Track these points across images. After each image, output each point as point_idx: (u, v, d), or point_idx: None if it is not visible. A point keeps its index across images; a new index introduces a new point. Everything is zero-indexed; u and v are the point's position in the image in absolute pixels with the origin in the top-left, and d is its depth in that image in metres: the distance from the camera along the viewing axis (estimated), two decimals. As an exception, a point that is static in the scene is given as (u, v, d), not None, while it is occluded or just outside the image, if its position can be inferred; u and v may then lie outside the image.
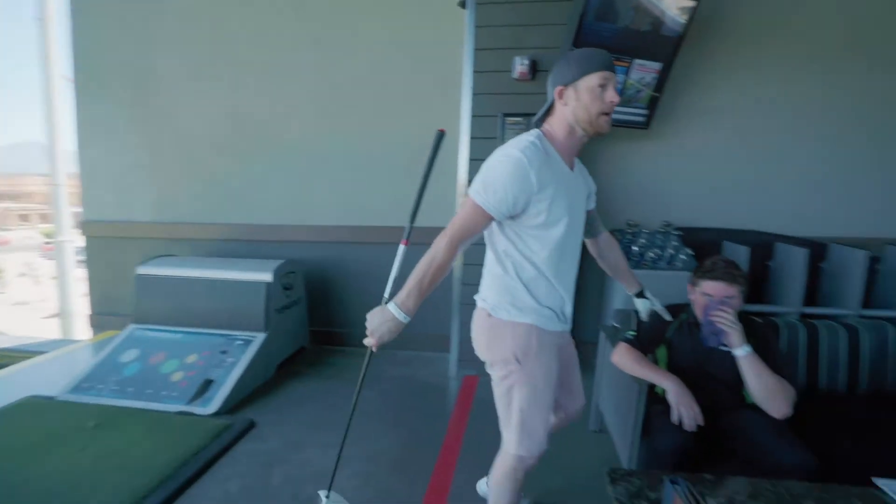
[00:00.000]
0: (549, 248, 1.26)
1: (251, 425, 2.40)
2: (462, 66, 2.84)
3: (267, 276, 2.93)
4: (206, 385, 2.59)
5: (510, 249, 1.29)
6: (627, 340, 1.79)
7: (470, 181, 2.86)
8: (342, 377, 2.99)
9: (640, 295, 1.65)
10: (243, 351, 2.78)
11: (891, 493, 1.22)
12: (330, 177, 3.36)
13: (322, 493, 1.63)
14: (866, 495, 1.24)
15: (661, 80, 2.78)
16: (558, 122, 1.26)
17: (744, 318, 1.68)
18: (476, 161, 2.85)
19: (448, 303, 3.04)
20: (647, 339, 1.77)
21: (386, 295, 1.32)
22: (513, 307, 1.31)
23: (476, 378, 2.97)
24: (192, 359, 2.74)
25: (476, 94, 2.81)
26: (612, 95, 1.17)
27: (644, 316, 1.67)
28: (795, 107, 2.97)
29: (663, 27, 2.62)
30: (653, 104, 2.85)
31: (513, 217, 1.24)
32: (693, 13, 2.59)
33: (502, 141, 2.82)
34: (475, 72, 2.78)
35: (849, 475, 1.35)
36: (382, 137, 3.26)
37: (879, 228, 3.01)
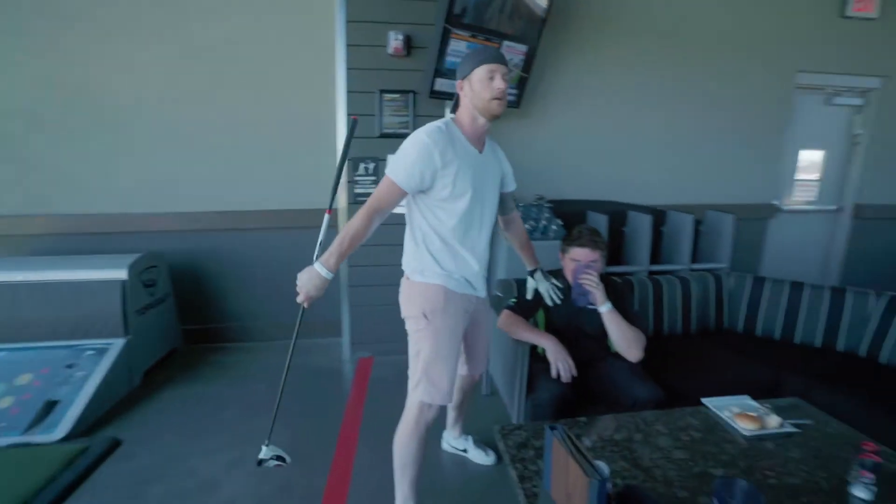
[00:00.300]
0: (455, 219, 1.45)
1: (115, 444, 2.10)
2: (334, 40, 2.70)
3: (121, 274, 2.54)
4: (49, 407, 2.18)
5: (422, 223, 1.49)
6: (510, 307, 1.93)
7: (348, 157, 2.79)
8: (225, 377, 2.75)
9: (533, 274, 1.83)
10: (97, 362, 2.39)
11: (713, 409, 1.53)
12: (196, 157, 2.97)
13: (263, 446, 1.68)
14: (697, 413, 1.53)
15: (528, 62, 2.95)
16: (463, 111, 1.48)
17: (606, 278, 1.91)
18: (354, 139, 2.76)
19: (337, 286, 2.95)
20: (526, 304, 1.92)
21: (315, 256, 1.44)
22: (424, 271, 1.51)
23: (371, 359, 2.96)
24: (24, 379, 2.28)
25: (351, 69, 2.70)
26: (498, 83, 1.38)
27: (529, 294, 1.84)
28: (637, 90, 3.39)
29: (529, 10, 2.77)
30: (522, 84, 3.02)
31: (423, 191, 1.43)
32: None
33: (380, 118, 2.79)
34: (349, 45, 2.67)
35: (687, 399, 1.64)
36: (256, 113, 2.98)
37: (701, 196, 3.63)
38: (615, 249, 3.14)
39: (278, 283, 3.10)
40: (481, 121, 1.45)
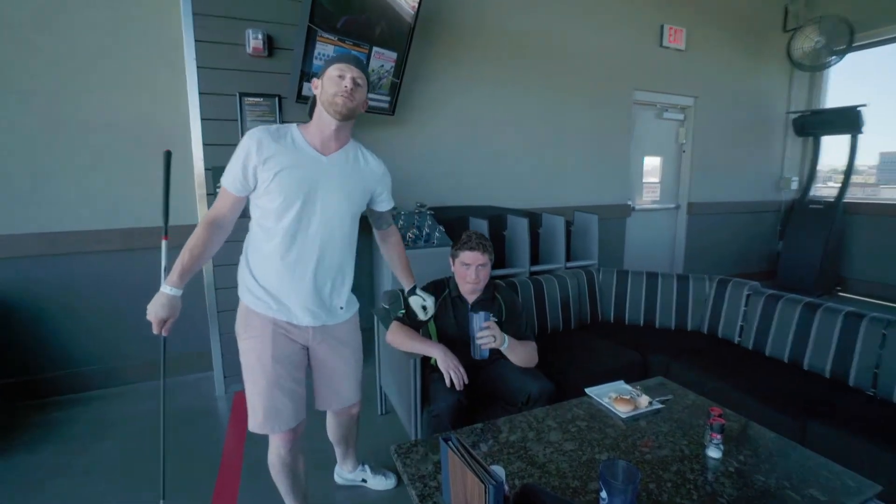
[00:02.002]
0: (280, 230, 1.37)
1: None
2: (182, 34, 2.43)
3: None
4: None
5: (250, 234, 1.44)
6: (398, 319, 1.90)
7: (206, 166, 2.52)
8: (51, 439, 2.26)
9: (412, 292, 1.75)
10: None
11: (595, 397, 1.66)
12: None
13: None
14: (582, 403, 1.64)
15: (400, 68, 2.98)
16: (316, 112, 1.43)
17: (495, 285, 1.98)
18: (211, 146, 2.51)
19: (203, 313, 2.63)
20: (415, 315, 1.90)
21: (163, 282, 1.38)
22: (242, 286, 1.45)
23: (246, 395, 2.68)
24: None
25: (203, 69, 2.45)
26: (347, 82, 1.36)
27: (422, 315, 1.74)
28: (503, 100, 3.63)
29: (396, 15, 2.80)
30: (395, 90, 3.04)
31: (249, 194, 1.39)
32: (419, 4, 2.85)
33: (242, 124, 2.57)
34: (197, 41, 2.42)
35: (574, 389, 1.76)
36: (83, 114, 2.53)
37: (569, 199, 4.01)
38: (497, 253, 3.30)
39: (122, 315, 2.66)
40: (327, 119, 1.39)
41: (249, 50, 2.51)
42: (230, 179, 1.36)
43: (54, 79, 2.47)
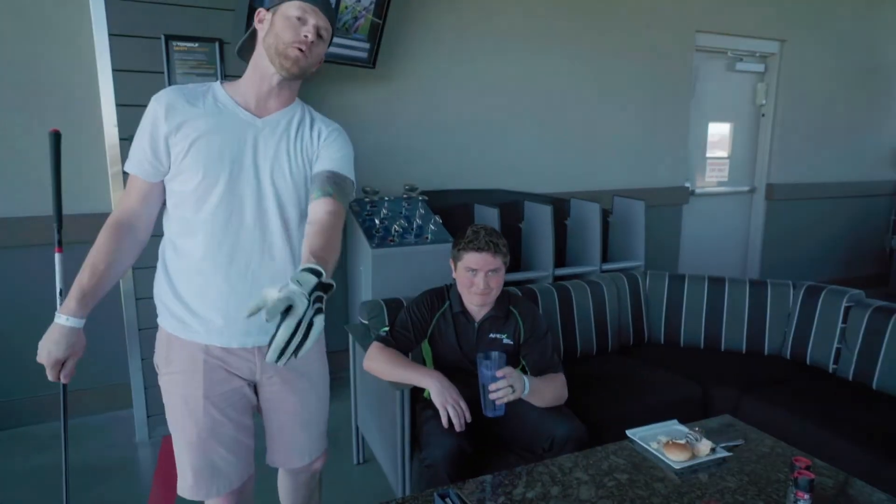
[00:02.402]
0: (201, 216, 1.32)
1: None
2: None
3: None
4: None
5: (165, 233, 1.41)
6: (380, 339, 1.91)
7: (121, 135, 2.53)
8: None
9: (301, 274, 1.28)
10: None
11: (639, 441, 1.68)
12: None
13: None
14: (622, 450, 1.66)
15: (382, 4, 2.98)
16: (253, 59, 1.40)
17: (510, 295, 2.00)
18: (127, 108, 2.51)
19: (120, 334, 2.65)
20: (403, 334, 1.92)
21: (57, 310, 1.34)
22: (160, 304, 1.41)
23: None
24: None
25: (115, 1, 2.45)
26: (308, 30, 1.32)
27: (266, 315, 0.96)
28: (523, 51, 3.64)
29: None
30: (375, 35, 3.04)
31: (162, 175, 1.35)
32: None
33: (169, 77, 2.58)
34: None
35: (610, 432, 1.79)
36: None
37: (607, 181, 4.02)
38: (512, 251, 3.30)
39: (8, 334, 2.64)
40: (268, 70, 1.34)
41: (174, -22, 2.51)
42: (137, 160, 1.33)
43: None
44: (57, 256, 1.68)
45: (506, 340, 1.96)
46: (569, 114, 3.87)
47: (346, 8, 2.89)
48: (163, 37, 2.55)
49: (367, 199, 3.09)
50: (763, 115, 4.75)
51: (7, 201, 2.67)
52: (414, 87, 3.38)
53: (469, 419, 1.73)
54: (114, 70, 2.50)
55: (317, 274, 1.05)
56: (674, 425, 1.77)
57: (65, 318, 1.26)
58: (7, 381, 2.70)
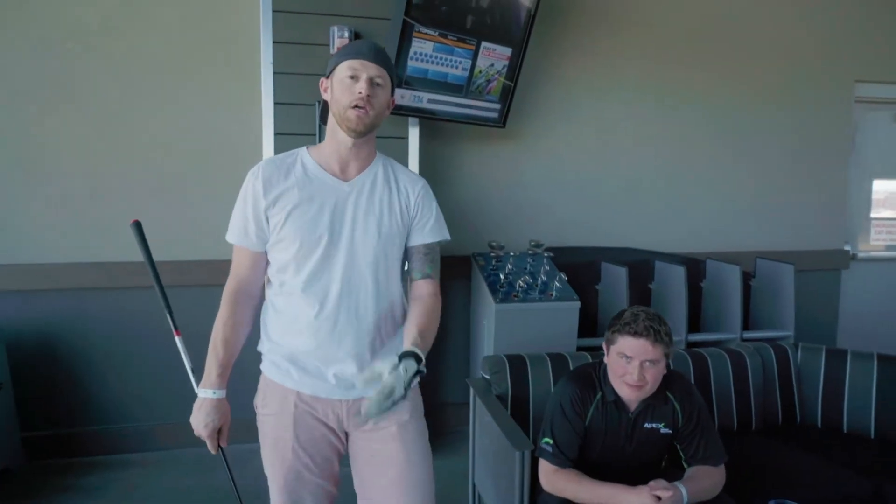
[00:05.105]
0: (299, 290, 1.37)
1: None
2: (259, 33, 2.71)
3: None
4: None
5: (267, 294, 1.49)
6: (552, 459, 1.72)
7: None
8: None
9: (402, 358, 1.29)
10: None
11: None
12: (50, 188, 2.83)
13: None
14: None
15: (514, 68, 3.00)
16: (329, 125, 1.43)
17: (667, 378, 1.76)
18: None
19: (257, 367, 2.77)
20: (570, 443, 1.72)
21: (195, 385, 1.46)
22: (261, 349, 1.49)
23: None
24: None
25: (280, 74, 2.68)
26: (361, 86, 1.32)
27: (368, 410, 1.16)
28: (657, 104, 3.49)
29: (511, 2, 2.84)
30: (507, 96, 3.05)
31: (265, 244, 1.42)
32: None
33: (319, 139, 2.74)
34: (276, 42, 2.67)
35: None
36: (144, 128, 2.91)
37: (748, 242, 3.68)
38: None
39: (176, 364, 2.86)
40: (341, 136, 1.37)
41: (333, 50, 2.69)
42: (240, 233, 1.41)
43: (116, 87, 2.87)
44: (178, 339, 1.69)
45: (663, 430, 1.74)
46: (703, 170, 3.63)
47: (480, 72, 2.93)
48: (317, 103, 2.72)
49: (492, 255, 3.04)
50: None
51: (183, 246, 2.94)
52: (542, 144, 3.35)
53: None
54: (275, 133, 2.71)
55: (418, 361, 1.22)
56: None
57: (211, 392, 1.37)
58: (164, 406, 2.95)
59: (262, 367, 1.49)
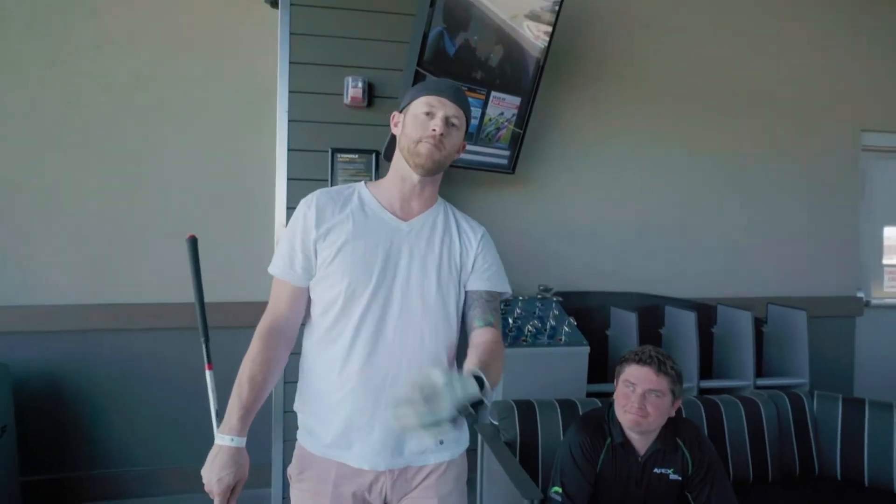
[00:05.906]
0: (344, 337, 1.24)
1: None
2: (276, 84, 2.78)
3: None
4: None
5: (305, 343, 1.35)
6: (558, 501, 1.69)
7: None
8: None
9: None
10: None
11: None
12: (67, 231, 2.88)
13: None
14: None
15: (524, 116, 3.04)
16: (393, 161, 1.35)
17: (674, 423, 1.73)
18: (294, 209, 2.73)
19: (265, 415, 2.72)
20: (577, 490, 1.70)
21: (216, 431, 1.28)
22: (298, 413, 1.36)
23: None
24: None
25: (294, 122, 2.74)
26: (437, 122, 1.26)
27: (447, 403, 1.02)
28: (665, 151, 3.50)
29: (521, 54, 2.90)
30: (516, 143, 3.08)
31: (309, 279, 1.30)
32: (551, 38, 2.93)
33: (333, 183, 2.77)
34: (291, 92, 2.73)
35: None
36: (164, 174, 2.97)
37: (760, 287, 3.61)
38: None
39: (183, 407, 2.87)
40: (406, 171, 1.29)
41: (347, 100, 2.75)
42: (284, 264, 1.28)
43: (138, 135, 2.95)
44: (208, 374, 1.49)
45: (672, 476, 1.70)
46: (712, 216, 3.61)
47: (490, 120, 2.97)
48: (330, 150, 2.77)
49: (501, 299, 3.01)
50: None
51: (188, 289, 2.92)
52: (550, 190, 3.36)
53: None
54: (288, 179, 2.74)
55: (480, 385, 1.03)
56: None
57: (229, 439, 1.18)
58: (168, 449, 2.91)
59: (299, 436, 1.35)
